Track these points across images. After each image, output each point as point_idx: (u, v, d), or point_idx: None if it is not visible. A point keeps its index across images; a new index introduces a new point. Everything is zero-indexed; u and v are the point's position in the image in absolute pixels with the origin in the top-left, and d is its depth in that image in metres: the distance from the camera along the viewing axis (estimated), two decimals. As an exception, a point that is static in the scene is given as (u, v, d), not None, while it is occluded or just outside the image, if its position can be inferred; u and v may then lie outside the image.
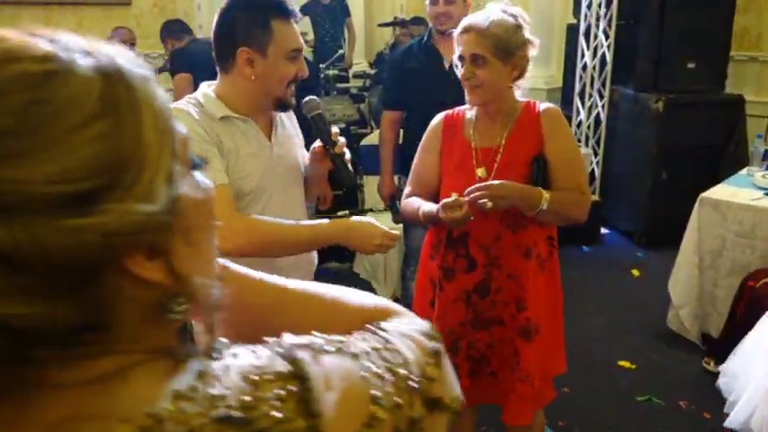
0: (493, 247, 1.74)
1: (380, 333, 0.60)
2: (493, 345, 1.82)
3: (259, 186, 1.53)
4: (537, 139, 1.74)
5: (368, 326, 0.61)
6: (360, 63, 6.47)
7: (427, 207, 1.77)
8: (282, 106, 1.56)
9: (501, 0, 1.76)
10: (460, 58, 1.73)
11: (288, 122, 1.68)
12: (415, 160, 1.93)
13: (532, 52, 1.75)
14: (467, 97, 1.77)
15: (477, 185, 1.61)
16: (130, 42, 4.55)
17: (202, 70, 3.70)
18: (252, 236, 1.41)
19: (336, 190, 1.51)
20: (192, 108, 1.47)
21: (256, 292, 0.67)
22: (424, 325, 0.64)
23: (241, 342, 0.54)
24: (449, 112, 1.89)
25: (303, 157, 1.71)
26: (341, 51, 5.70)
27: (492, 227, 1.72)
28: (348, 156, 1.57)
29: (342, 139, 1.56)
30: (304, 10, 3.63)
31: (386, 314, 0.66)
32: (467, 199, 1.62)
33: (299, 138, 1.72)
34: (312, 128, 1.57)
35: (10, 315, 0.40)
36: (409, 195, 1.91)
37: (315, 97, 1.57)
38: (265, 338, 0.54)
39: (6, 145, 0.39)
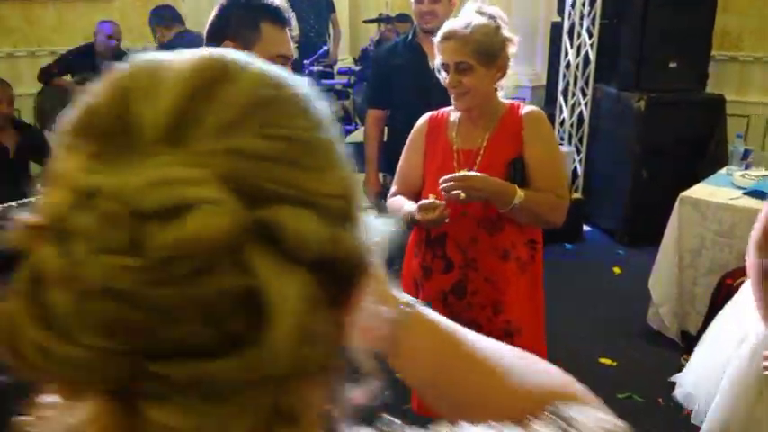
0: (470, 248, 1.75)
1: (565, 425, 0.53)
2: None
3: None
4: (517, 142, 1.74)
5: (549, 412, 0.54)
6: (344, 59, 6.46)
7: (408, 207, 1.78)
8: None
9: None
10: (444, 65, 1.73)
11: None
12: (401, 160, 1.94)
13: (512, 50, 1.75)
14: (454, 104, 1.78)
15: (452, 175, 1.61)
16: (116, 38, 4.49)
17: None
18: None
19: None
20: None
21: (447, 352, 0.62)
22: (610, 419, 0.59)
23: None
24: (434, 113, 1.90)
25: None
26: (325, 47, 5.68)
27: (468, 228, 1.73)
28: None
29: None
30: (289, 4, 3.60)
31: (568, 397, 0.60)
32: (443, 202, 1.63)
33: None
34: None
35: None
36: (395, 194, 1.92)
37: None
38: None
39: (315, 158, 0.40)
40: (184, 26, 4.10)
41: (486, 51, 1.68)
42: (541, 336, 1.90)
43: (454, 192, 1.60)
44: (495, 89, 1.78)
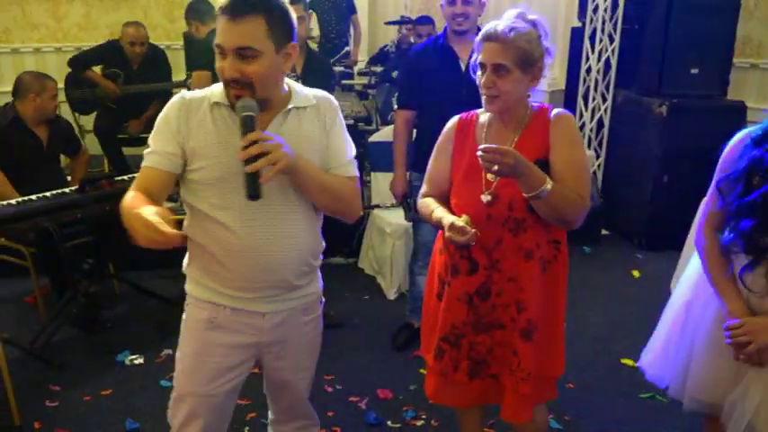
0: (495, 250, 1.76)
1: None
2: (493, 348, 1.85)
3: (223, 177, 1.50)
4: (544, 144, 1.75)
5: None
6: (364, 60, 6.51)
7: (439, 213, 1.79)
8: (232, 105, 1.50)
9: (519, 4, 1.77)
10: (481, 65, 1.74)
11: (311, 124, 1.60)
12: (430, 161, 1.96)
13: (549, 60, 1.76)
14: (484, 105, 1.78)
15: (491, 146, 1.58)
16: (139, 43, 4.53)
17: None
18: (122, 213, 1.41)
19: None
20: (192, 95, 1.56)
21: None
22: None
23: None
24: (463, 115, 1.91)
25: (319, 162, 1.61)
26: (347, 48, 5.73)
27: (494, 231, 1.75)
28: (259, 165, 1.39)
29: (254, 150, 1.38)
30: (311, 5, 3.56)
31: None
32: (474, 230, 1.65)
33: (310, 140, 1.59)
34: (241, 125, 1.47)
35: None
36: (424, 195, 1.94)
37: (252, 100, 1.45)
38: None
39: None
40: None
41: (526, 58, 1.69)
42: (560, 336, 1.91)
43: (487, 163, 1.57)
44: (528, 94, 1.80)
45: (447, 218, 1.74)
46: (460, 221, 1.68)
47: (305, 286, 1.68)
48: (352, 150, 1.66)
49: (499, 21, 1.73)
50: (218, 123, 1.52)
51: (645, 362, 2.12)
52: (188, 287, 1.67)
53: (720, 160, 1.84)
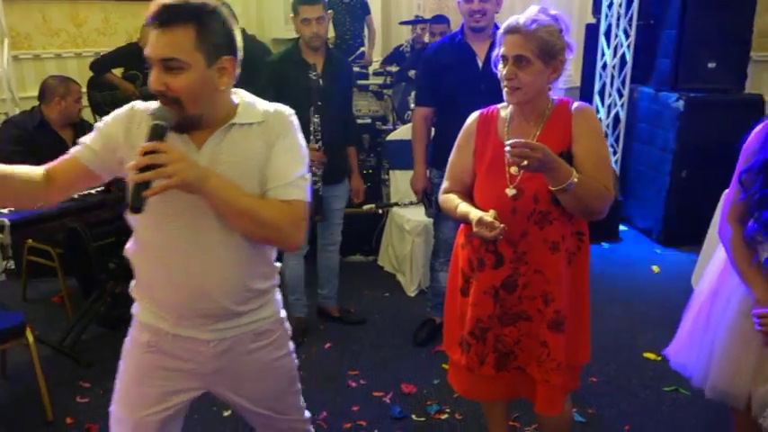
0: (520, 243, 1.78)
1: None
2: (520, 340, 1.86)
3: (154, 199, 1.31)
4: (567, 136, 1.77)
5: None
6: (378, 60, 6.54)
7: (464, 209, 1.80)
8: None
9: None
10: (503, 57, 1.76)
11: (254, 141, 1.46)
12: (451, 157, 1.97)
13: (570, 55, 1.78)
14: (505, 97, 1.79)
15: (520, 141, 1.59)
16: None
17: (245, 70, 3.62)
18: None
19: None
20: (145, 105, 1.46)
21: None
22: None
23: None
24: (483, 110, 1.93)
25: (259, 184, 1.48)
26: (362, 49, 5.77)
27: (519, 224, 1.76)
28: (145, 176, 1.27)
29: (146, 160, 1.27)
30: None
31: None
32: (502, 225, 1.65)
33: (259, 161, 1.46)
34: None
35: None
36: (446, 191, 1.95)
37: (169, 111, 1.36)
38: None
39: None
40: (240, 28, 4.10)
41: (548, 50, 1.71)
42: (585, 325, 1.93)
43: (516, 157, 1.58)
44: (549, 87, 1.81)
45: (474, 213, 1.75)
46: (489, 216, 1.69)
47: (254, 311, 1.55)
48: (296, 171, 1.47)
49: (521, 15, 1.75)
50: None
51: (670, 350, 2.13)
52: (133, 308, 1.58)
53: (742, 152, 1.85)
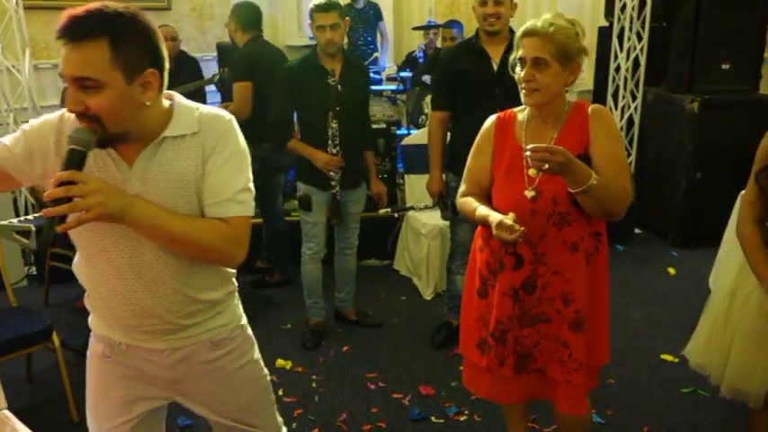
0: (539, 244, 1.80)
1: None
2: (539, 342, 1.88)
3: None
4: (584, 138, 1.79)
5: None
6: (391, 67, 6.58)
7: (483, 211, 1.82)
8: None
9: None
10: (521, 60, 1.78)
11: (187, 155, 1.36)
12: (469, 160, 1.99)
13: (584, 59, 1.81)
14: (523, 99, 1.81)
15: (540, 146, 1.62)
16: (172, 37, 4.69)
17: (265, 76, 3.59)
18: None
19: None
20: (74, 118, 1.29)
21: None
22: None
23: None
24: (501, 114, 1.95)
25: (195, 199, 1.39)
26: (375, 54, 5.81)
27: (538, 225, 1.78)
28: (58, 210, 1.17)
29: (59, 192, 1.17)
30: None
31: None
32: (522, 228, 1.67)
33: (194, 177, 1.36)
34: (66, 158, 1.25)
35: None
36: (464, 194, 1.97)
37: (89, 133, 1.24)
38: None
39: None
40: (257, 33, 3.72)
41: (566, 52, 1.74)
42: (604, 325, 1.94)
43: (538, 161, 1.61)
44: (567, 90, 1.84)
45: (493, 216, 1.77)
46: (509, 220, 1.71)
47: (207, 321, 1.49)
48: (236, 185, 1.37)
49: (538, 19, 1.78)
50: (91, 164, 1.30)
51: (689, 350, 2.15)
52: (89, 319, 1.54)
53: (758, 152, 1.86)
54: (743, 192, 3.11)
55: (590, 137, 1.79)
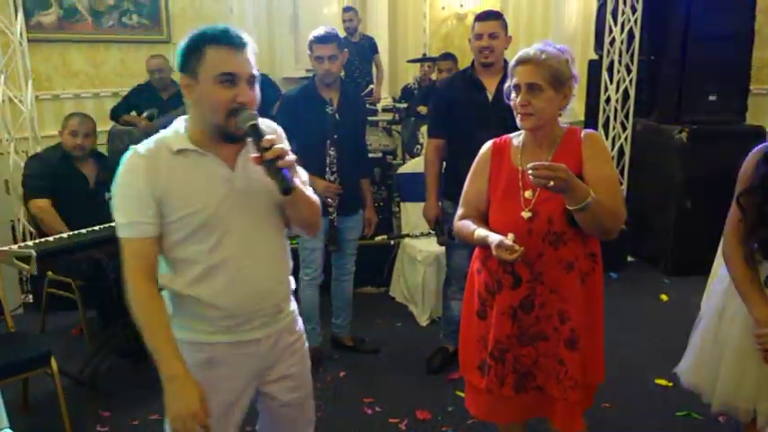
0: (536, 263, 1.85)
1: None
2: (538, 360, 1.92)
3: (210, 220, 1.50)
4: (577, 161, 1.85)
5: None
6: (387, 98, 6.71)
7: (482, 233, 1.87)
8: (227, 137, 1.51)
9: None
10: (515, 86, 1.85)
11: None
12: (466, 184, 2.05)
13: (575, 84, 1.87)
14: (519, 123, 1.88)
15: (541, 164, 1.66)
16: (160, 69, 4.82)
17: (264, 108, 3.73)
18: (133, 306, 1.48)
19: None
20: (146, 148, 1.51)
21: None
22: None
23: None
24: (497, 139, 2.01)
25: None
26: (370, 86, 5.94)
27: (535, 245, 1.83)
28: (286, 161, 1.46)
29: (278, 146, 1.45)
30: None
31: None
32: (521, 248, 1.74)
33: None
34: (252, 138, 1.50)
35: None
36: (462, 217, 2.02)
37: (248, 110, 1.48)
38: None
39: None
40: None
41: (558, 77, 1.81)
42: (599, 345, 1.98)
43: (542, 179, 1.65)
44: (560, 114, 1.91)
45: (493, 236, 1.82)
46: (508, 240, 1.77)
47: (289, 304, 1.73)
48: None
49: (530, 48, 1.86)
50: (188, 170, 1.51)
51: (680, 369, 2.18)
52: (179, 333, 1.56)
53: (739, 176, 1.93)
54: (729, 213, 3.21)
55: (583, 159, 1.85)
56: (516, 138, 1.97)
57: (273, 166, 1.44)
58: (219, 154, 1.53)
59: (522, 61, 1.84)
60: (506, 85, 1.91)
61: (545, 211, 1.82)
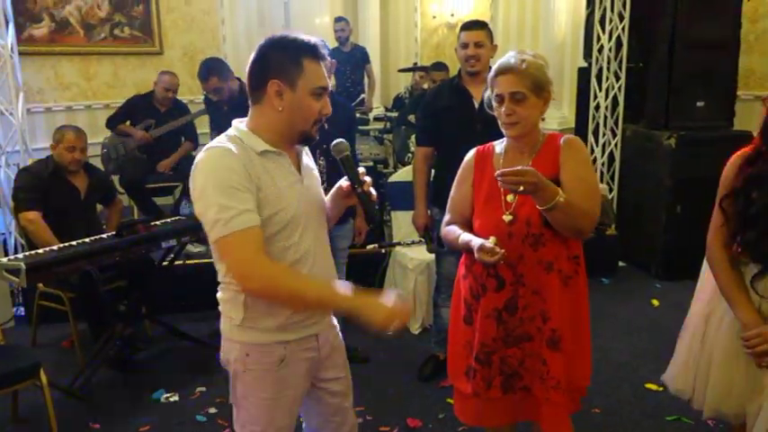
0: (518, 265, 1.88)
1: None
2: (524, 360, 1.94)
3: (294, 217, 1.61)
4: (555, 165, 1.89)
5: None
6: (378, 107, 6.75)
7: (466, 237, 1.92)
8: (306, 140, 1.65)
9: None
10: (498, 97, 1.88)
11: (307, 156, 1.77)
12: (452, 191, 2.09)
13: (553, 89, 1.92)
14: (504, 132, 1.92)
15: (509, 170, 1.71)
16: (173, 90, 4.80)
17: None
18: (271, 285, 1.52)
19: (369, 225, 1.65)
20: (231, 145, 1.54)
21: None
22: None
23: None
24: (480, 147, 2.06)
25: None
26: (362, 96, 5.97)
27: (516, 247, 1.87)
28: (374, 194, 1.69)
29: (368, 179, 1.66)
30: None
31: None
32: (502, 250, 1.79)
33: (316, 171, 1.81)
34: (341, 168, 1.69)
35: None
36: (448, 223, 2.07)
37: (343, 140, 1.68)
38: None
39: None
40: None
41: (539, 84, 1.85)
42: (585, 348, 1.99)
43: (512, 185, 1.70)
44: (542, 119, 1.95)
45: (475, 240, 1.86)
46: (489, 243, 1.81)
47: None
48: None
49: (507, 58, 1.89)
50: (272, 170, 1.58)
51: (667, 376, 2.19)
52: (249, 338, 1.64)
53: (721, 180, 1.96)
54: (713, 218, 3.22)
55: (560, 162, 1.89)
56: (499, 145, 2.02)
57: (367, 198, 1.62)
58: (289, 155, 1.64)
59: (502, 71, 1.87)
60: (486, 95, 1.95)
61: (524, 213, 1.86)
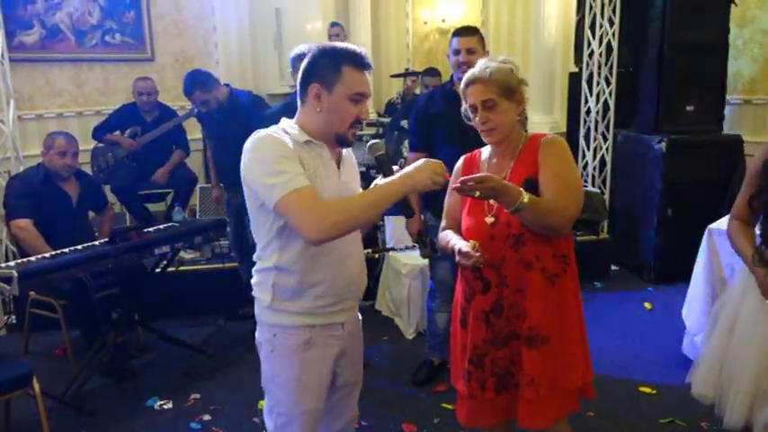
0: (502, 266, 1.91)
1: None
2: (513, 359, 1.95)
3: None
4: (534, 164, 1.92)
5: None
6: (371, 112, 6.75)
7: (453, 242, 1.98)
8: (341, 142, 1.76)
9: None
10: (472, 107, 1.95)
11: (350, 157, 1.90)
12: (446, 198, 2.15)
13: (527, 88, 1.97)
14: (485, 139, 1.98)
15: (469, 177, 1.77)
16: (148, 93, 4.78)
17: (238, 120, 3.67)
18: (340, 216, 1.60)
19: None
20: (281, 134, 1.70)
21: None
22: None
23: None
24: (467, 155, 2.13)
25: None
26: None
27: (498, 248, 1.90)
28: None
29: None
30: None
31: None
32: (478, 253, 1.85)
33: (357, 170, 1.94)
34: (376, 166, 1.79)
35: None
36: (443, 229, 2.12)
37: (378, 141, 1.80)
38: None
39: None
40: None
41: (507, 87, 1.91)
42: (574, 348, 1.97)
43: (470, 191, 1.76)
44: (519, 121, 1.99)
45: (457, 244, 1.92)
46: (466, 247, 1.87)
47: (361, 294, 1.92)
48: None
49: (473, 68, 1.96)
50: (315, 159, 1.70)
51: (693, 378, 2.20)
52: (276, 319, 1.77)
53: (746, 177, 2.07)
54: (710, 226, 3.25)
55: (539, 161, 1.92)
56: (486, 151, 2.08)
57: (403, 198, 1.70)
58: (330, 150, 1.75)
59: (470, 82, 1.94)
60: (463, 107, 2.01)
61: (504, 215, 1.89)
